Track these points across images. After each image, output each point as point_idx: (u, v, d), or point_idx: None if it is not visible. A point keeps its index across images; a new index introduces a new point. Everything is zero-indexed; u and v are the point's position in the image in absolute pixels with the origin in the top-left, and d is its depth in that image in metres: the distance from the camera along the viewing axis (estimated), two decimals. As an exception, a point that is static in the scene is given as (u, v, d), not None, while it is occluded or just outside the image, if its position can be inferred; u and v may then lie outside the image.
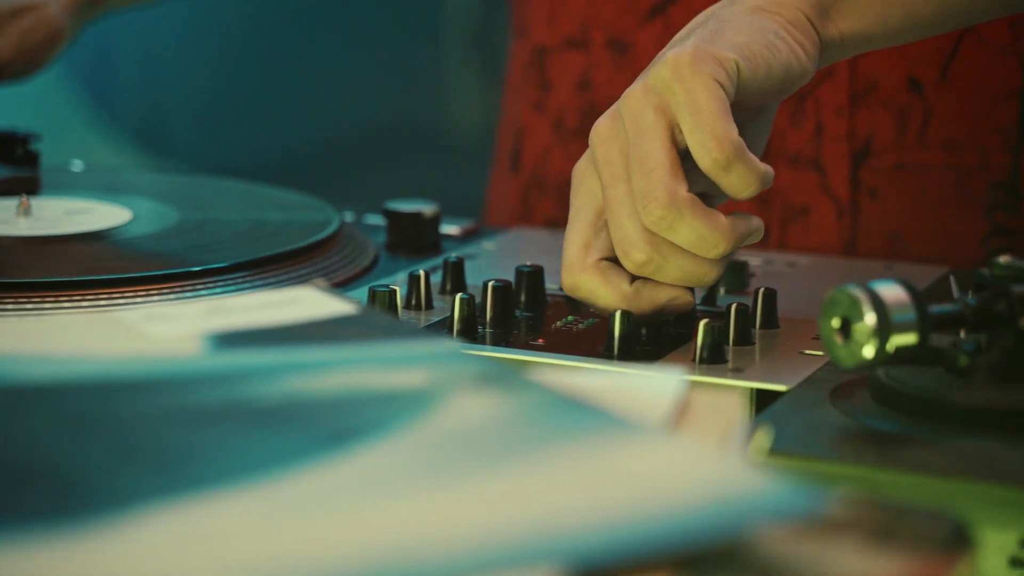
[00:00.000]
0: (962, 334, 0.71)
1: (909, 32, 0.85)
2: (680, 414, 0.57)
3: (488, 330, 0.85)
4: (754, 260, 0.98)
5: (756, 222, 0.81)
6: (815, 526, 0.49)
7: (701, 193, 0.80)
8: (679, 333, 0.83)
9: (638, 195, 0.78)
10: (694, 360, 0.79)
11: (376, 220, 1.07)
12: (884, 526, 0.50)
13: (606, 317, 0.81)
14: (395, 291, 0.86)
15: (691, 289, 0.83)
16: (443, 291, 0.91)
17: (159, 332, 0.62)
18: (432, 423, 0.54)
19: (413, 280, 0.88)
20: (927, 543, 0.49)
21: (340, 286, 0.93)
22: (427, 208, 1.02)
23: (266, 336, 0.62)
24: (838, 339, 0.69)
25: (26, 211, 0.97)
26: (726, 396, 0.57)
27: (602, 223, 0.82)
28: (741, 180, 0.78)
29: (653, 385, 0.58)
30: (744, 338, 0.82)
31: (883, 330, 0.68)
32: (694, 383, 0.67)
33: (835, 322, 0.69)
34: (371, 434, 0.52)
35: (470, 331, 0.84)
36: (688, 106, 0.77)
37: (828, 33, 0.83)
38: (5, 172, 1.06)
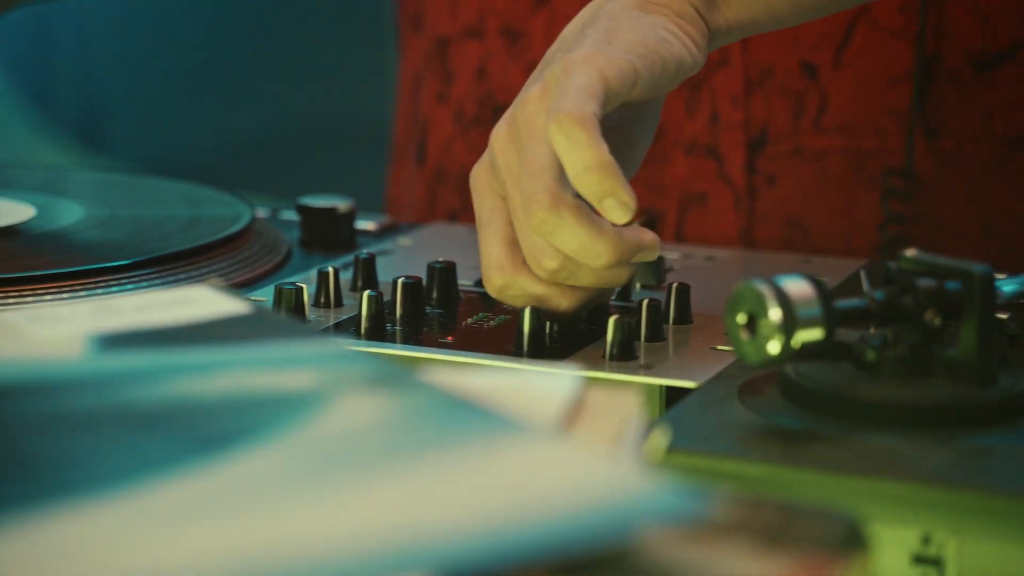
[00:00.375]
0: (872, 329, 0.70)
1: (795, 17, 0.85)
2: (574, 414, 0.56)
3: (398, 328, 0.84)
4: (672, 255, 0.97)
5: (649, 237, 0.79)
6: (703, 528, 0.48)
7: None
8: (590, 329, 0.82)
9: (523, 198, 0.77)
10: (604, 357, 0.78)
11: (292, 216, 1.05)
12: (774, 527, 0.49)
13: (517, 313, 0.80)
14: (302, 289, 0.84)
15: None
16: (354, 288, 0.89)
17: (42, 334, 0.60)
18: (315, 426, 0.52)
19: (322, 277, 0.87)
20: (818, 543, 0.48)
21: (249, 283, 0.91)
22: (342, 203, 1.00)
23: (153, 337, 0.60)
24: (744, 335, 0.67)
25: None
26: (622, 394, 0.56)
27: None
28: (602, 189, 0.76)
29: (548, 384, 0.57)
30: (656, 334, 0.81)
31: (788, 326, 0.67)
32: (594, 380, 0.66)
33: (741, 318, 0.67)
34: (250, 438, 0.51)
35: (378, 329, 0.82)
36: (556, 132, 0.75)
37: (716, 23, 0.82)
38: None
